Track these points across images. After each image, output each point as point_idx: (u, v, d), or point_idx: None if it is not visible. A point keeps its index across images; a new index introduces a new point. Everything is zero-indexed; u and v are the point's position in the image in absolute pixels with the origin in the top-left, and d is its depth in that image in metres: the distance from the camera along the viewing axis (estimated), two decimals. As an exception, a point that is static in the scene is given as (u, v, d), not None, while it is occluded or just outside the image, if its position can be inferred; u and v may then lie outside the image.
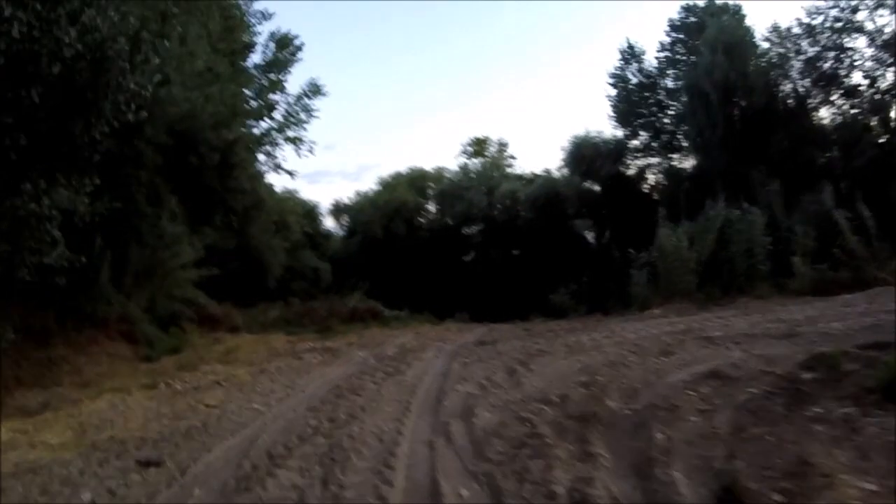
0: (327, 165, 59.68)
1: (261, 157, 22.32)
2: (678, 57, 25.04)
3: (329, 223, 28.23)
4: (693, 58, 23.40)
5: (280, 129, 22.79)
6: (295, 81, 39.57)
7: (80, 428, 7.40)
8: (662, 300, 12.92)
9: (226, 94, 12.38)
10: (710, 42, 21.48)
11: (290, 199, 24.20)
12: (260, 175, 13.90)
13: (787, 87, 21.84)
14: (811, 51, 20.84)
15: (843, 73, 19.92)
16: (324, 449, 5.02)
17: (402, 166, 29.31)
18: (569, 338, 9.11)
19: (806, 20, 20.43)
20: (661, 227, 13.56)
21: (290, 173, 22.77)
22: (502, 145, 32.53)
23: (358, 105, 54.06)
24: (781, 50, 22.07)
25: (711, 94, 20.93)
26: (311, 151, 22.76)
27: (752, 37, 22.33)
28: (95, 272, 14.27)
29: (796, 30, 20.96)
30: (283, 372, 9.48)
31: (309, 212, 25.37)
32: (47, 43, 6.94)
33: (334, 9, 50.50)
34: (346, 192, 42.00)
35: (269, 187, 18.47)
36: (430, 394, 6.56)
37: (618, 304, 14.08)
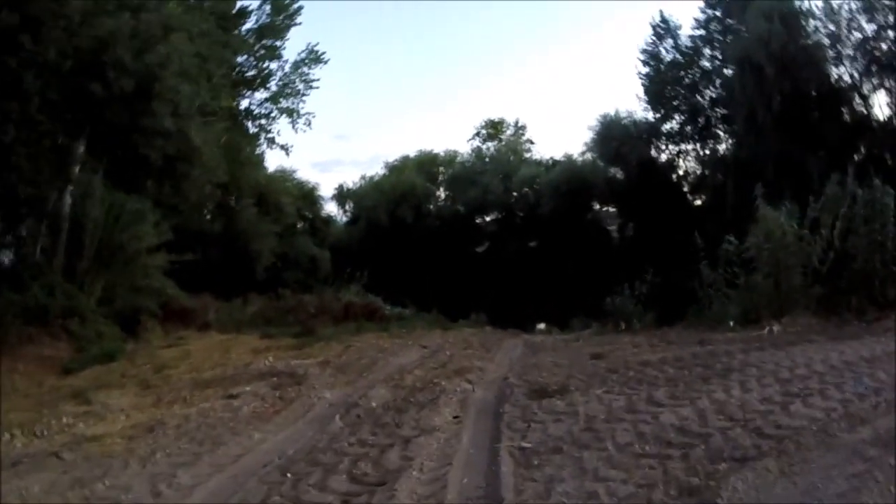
0: (339, 155, 53.74)
1: (253, 129, 17.95)
2: (714, 36, 20.10)
3: (333, 209, 23.32)
4: (730, 38, 18.71)
5: (274, 99, 18.02)
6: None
7: None
8: (770, 311, 8.02)
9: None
10: (765, 10, 16.68)
11: (283, 177, 19.15)
12: (197, 115, 8.75)
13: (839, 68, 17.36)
14: (869, 28, 16.50)
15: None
16: None
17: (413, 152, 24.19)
18: (712, 391, 4.19)
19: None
20: (761, 208, 8.60)
21: (284, 148, 17.96)
22: (520, 128, 27.28)
23: (370, 94, 48.60)
24: (832, 27, 17.37)
25: (767, 67, 16.18)
26: (308, 125, 17.99)
27: (804, 11, 17.60)
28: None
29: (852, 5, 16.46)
30: (184, 435, 4.68)
31: (307, 194, 20.33)
32: None
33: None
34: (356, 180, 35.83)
35: (222, 136, 12.66)
36: None
37: (696, 311, 9.20)
